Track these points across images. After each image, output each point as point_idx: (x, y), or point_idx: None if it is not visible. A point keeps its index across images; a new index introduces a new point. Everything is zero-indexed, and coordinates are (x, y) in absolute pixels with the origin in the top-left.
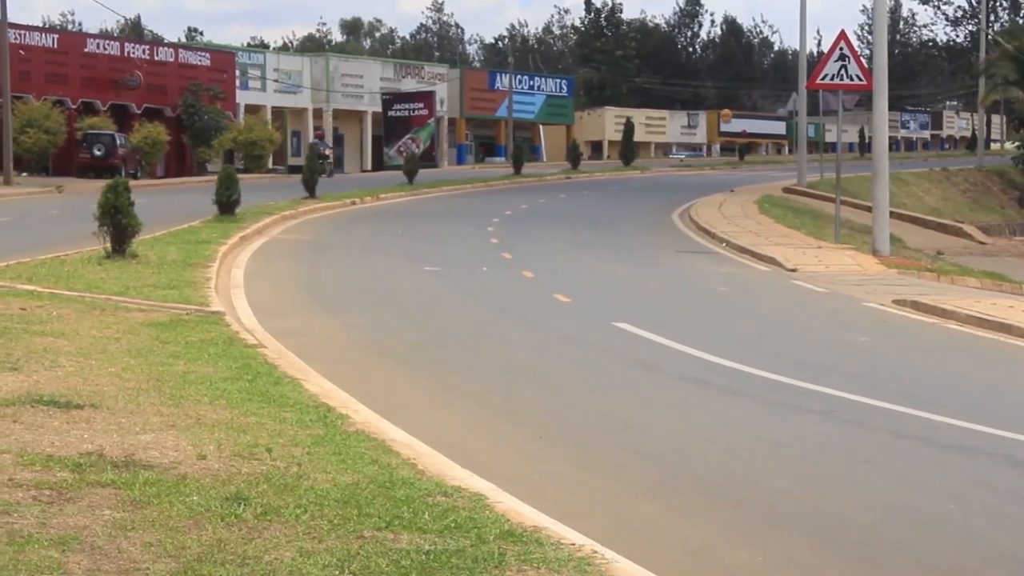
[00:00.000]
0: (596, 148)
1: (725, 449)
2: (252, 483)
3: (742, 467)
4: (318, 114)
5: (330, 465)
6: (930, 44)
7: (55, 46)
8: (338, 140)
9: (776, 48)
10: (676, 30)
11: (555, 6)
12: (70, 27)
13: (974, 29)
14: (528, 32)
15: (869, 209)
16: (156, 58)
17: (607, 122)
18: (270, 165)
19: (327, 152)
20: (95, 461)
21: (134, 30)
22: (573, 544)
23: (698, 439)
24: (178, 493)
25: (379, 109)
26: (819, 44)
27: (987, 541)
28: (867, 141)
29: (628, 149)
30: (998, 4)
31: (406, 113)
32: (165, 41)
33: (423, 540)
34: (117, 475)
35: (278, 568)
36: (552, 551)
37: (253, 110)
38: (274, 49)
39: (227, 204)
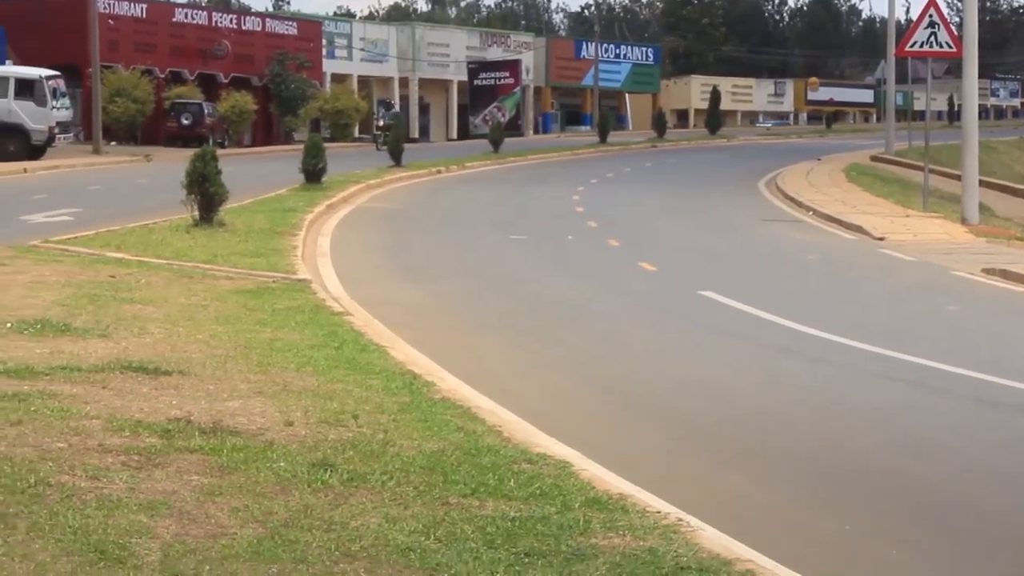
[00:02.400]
0: (682, 117)
1: (812, 417)
2: (338, 450)
3: (830, 435)
4: (404, 83)
5: (416, 432)
6: (1020, 10)
7: (144, 16)
8: (424, 109)
9: (864, 16)
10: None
11: None
12: None
13: None
14: (614, 1)
15: (958, 178)
16: (243, 28)
17: (693, 91)
18: (356, 134)
19: (383, 123)
20: (183, 427)
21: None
22: (659, 512)
23: (786, 407)
24: (265, 459)
25: (465, 78)
26: (908, 11)
27: None
28: (956, 109)
29: (714, 118)
30: None
31: (492, 82)
32: (252, 10)
33: (508, 507)
34: (205, 441)
35: (364, 534)
36: (637, 519)
37: (339, 79)
38: (360, 18)
39: (313, 173)
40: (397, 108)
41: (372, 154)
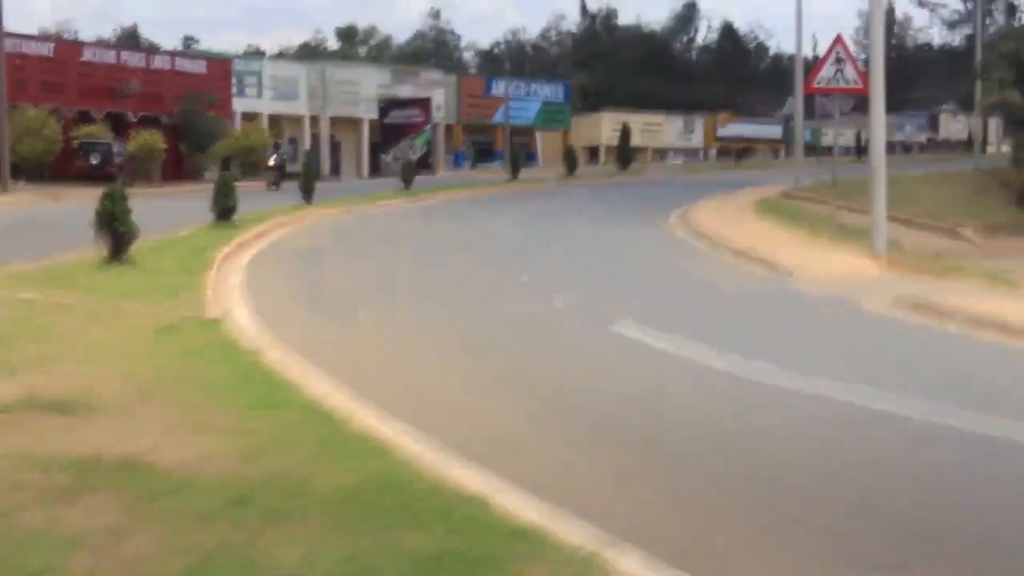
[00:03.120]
0: (593, 153)
1: (729, 445)
2: (256, 486)
3: (746, 463)
4: (315, 121)
5: (333, 466)
6: (926, 47)
7: (51, 55)
8: (335, 147)
9: (772, 53)
10: (672, 35)
11: (552, 12)
12: (67, 36)
13: (970, 32)
14: (524, 38)
15: (866, 212)
16: (152, 66)
17: (603, 127)
18: (265, 169)
19: (274, 162)
20: (95, 464)
21: (131, 38)
22: (575, 544)
23: (703, 435)
24: (181, 496)
25: (376, 116)
26: (815, 48)
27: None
28: (864, 144)
29: (625, 154)
30: (994, 7)
31: (403, 120)
32: (161, 49)
33: (427, 539)
34: (119, 477)
35: (282, 568)
36: (557, 551)
37: (250, 117)
38: (270, 56)
39: (224, 211)
40: (287, 146)
41: (283, 192)
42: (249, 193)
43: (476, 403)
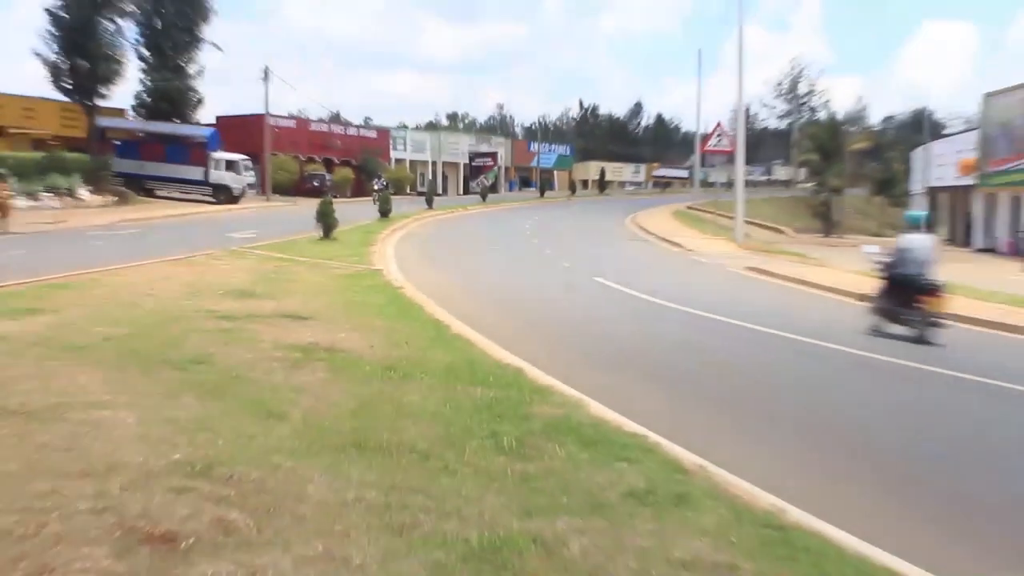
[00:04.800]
0: (585, 184)
1: (653, 344)
2: (398, 360)
3: (662, 351)
4: (434, 165)
5: (440, 352)
6: (766, 128)
7: (294, 126)
8: (444, 178)
9: (684, 130)
10: (629, 120)
11: (564, 106)
12: (301, 115)
13: (791, 122)
14: (548, 120)
15: (732, 217)
16: (347, 133)
17: (591, 169)
18: (407, 191)
19: (377, 187)
20: (313, 347)
21: (336, 116)
22: (569, 395)
23: (639, 337)
24: (358, 365)
25: (467, 161)
26: (707, 127)
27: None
28: (731, 181)
29: (602, 184)
30: (803, 108)
31: (481, 163)
32: (352, 124)
33: (488, 391)
34: (326, 355)
35: (411, 404)
36: (559, 398)
37: (399, 162)
38: (410, 128)
39: (385, 212)
40: (386, 181)
41: (416, 202)
42: (399, 203)
43: (516, 316)
